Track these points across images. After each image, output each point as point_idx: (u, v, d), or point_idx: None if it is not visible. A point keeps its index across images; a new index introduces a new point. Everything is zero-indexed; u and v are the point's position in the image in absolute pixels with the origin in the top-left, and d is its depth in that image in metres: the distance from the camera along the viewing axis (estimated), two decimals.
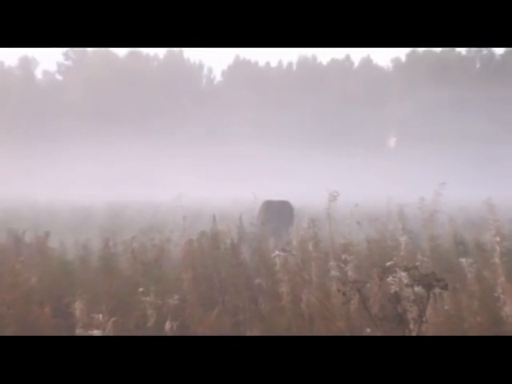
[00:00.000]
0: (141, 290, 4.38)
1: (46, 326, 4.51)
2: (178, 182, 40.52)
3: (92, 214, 17.51)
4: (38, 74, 65.45)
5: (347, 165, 53.28)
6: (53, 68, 67.15)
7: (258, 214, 11.44)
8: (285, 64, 68.36)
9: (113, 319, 3.54)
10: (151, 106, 60.41)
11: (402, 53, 79.95)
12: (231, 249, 6.08)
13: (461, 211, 13.51)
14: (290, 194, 20.18)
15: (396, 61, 64.76)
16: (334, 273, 4.47)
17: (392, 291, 3.20)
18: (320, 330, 4.17)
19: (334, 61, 67.15)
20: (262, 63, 69.24)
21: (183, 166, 54.67)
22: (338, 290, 3.76)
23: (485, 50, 60.31)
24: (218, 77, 69.13)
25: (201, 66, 68.05)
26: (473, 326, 4.17)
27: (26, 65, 63.85)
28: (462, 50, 62.31)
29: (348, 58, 67.37)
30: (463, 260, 4.89)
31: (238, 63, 67.55)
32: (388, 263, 3.46)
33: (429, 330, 3.61)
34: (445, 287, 3.10)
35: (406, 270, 3.19)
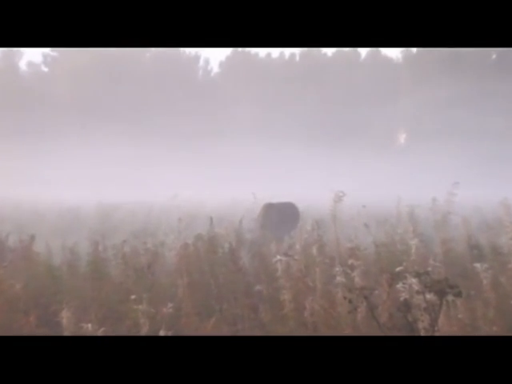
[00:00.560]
0: (133, 297, 4.38)
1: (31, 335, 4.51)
2: (173, 182, 40.57)
3: (80, 215, 17.49)
4: (23, 65, 65.55)
5: (354, 163, 53.35)
6: (38, 59, 67.30)
7: (258, 216, 11.44)
8: (287, 55, 68.42)
9: (102, 329, 3.56)
10: (143, 100, 60.45)
11: None
12: (229, 253, 6.09)
13: (475, 212, 13.51)
14: (293, 194, 20.20)
15: (406, 52, 64.84)
16: (339, 279, 4.48)
17: (402, 299, 3.21)
18: None
19: (339, 51, 67.17)
20: (262, 54, 69.45)
21: (178, 165, 54.70)
22: (344, 298, 3.77)
23: None
24: (215, 68, 69.27)
25: (197, 57, 68.12)
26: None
27: (10, 55, 63.90)
28: None
29: (354, 48, 67.50)
30: (478, 265, 4.90)
31: (237, 54, 67.59)
32: (397, 268, 3.48)
33: None
34: (458, 294, 3.10)
35: (417, 275, 3.20)
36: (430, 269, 3.67)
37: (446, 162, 49.33)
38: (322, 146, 55.82)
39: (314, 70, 63.81)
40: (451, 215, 7.40)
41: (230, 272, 5.83)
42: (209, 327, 4.60)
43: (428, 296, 3.11)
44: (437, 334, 3.14)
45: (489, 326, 4.25)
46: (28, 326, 4.62)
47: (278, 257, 4.98)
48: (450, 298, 3.11)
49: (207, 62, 68.75)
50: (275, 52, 72.58)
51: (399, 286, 3.25)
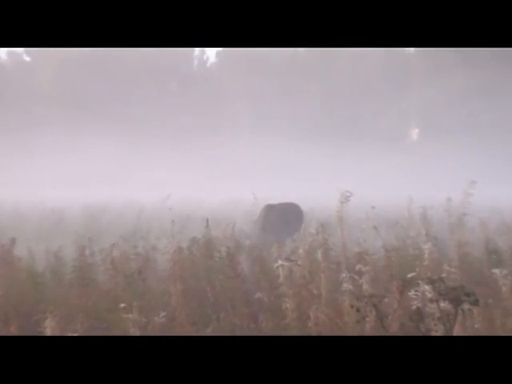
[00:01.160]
0: (122, 305, 4.39)
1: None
2: (165, 181, 40.56)
3: (65, 217, 17.49)
4: (2, 54, 65.59)
5: (362, 161, 53.36)
6: (19, 49, 67.16)
7: (258, 218, 11.45)
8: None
9: None
10: (133, 92, 60.43)
11: None
12: (227, 258, 6.09)
13: (494, 214, 13.52)
14: (296, 194, 20.24)
15: None
16: (346, 286, 4.49)
17: (414, 307, 3.21)
18: None
19: None
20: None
21: (171, 163, 54.72)
22: (352, 306, 3.77)
23: None
24: (211, 58, 69.44)
25: (191, 50, 68.13)
26: None
27: None
28: None
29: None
30: (497, 271, 4.91)
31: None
32: (409, 275, 3.48)
33: None
34: (475, 303, 3.11)
35: (431, 282, 3.21)
36: (444, 275, 3.68)
37: (462, 160, 49.35)
38: (327, 142, 55.80)
39: (318, 59, 63.78)
40: (467, 217, 7.41)
41: (227, 278, 5.84)
42: None
43: (442, 304, 3.12)
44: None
45: None
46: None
47: (280, 262, 4.98)
48: (465, 306, 3.12)
49: (202, 50, 68.73)
50: None
51: (411, 293, 3.26)
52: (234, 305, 5.45)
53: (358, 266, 4.86)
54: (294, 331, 4.61)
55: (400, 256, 6.47)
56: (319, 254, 5.91)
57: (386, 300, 3.73)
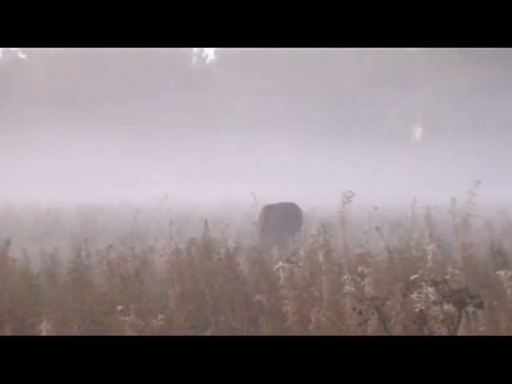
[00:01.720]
0: (119, 308, 4.39)
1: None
2: (163, 181, 40.57)
3: (60, 218, 17.50)
4: None
5: (364, 160, 53.32)
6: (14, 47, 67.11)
7: (258, 219, 11.46)
8: None
9: None
10: (131, 90, 60.39)
11: None
12: (226, 260, 6.10)
13: (499, 215, 13.56)
14: (297, 194, 20.24)
15: None
16: (348, 288, 4.49)
17: (417, 310, 3.22)
18: None
19: None
20: None
21: (169, 162, 54.69)
22: (354, 309, 3.78)
23: None
24: (210, 55, 69.38)
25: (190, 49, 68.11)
26: None
27: None
28: None
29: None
30: (502, 273, 4.91)
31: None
32: (412, 277, 3.49)
33: None
34: (480, 305, 3.12)
35: (434, 284, 3.22)
36: (448, 277, 3.69)
37: (467, 159, 49.33)
38: (329, 142, 55.77)
39: (319, 56, 63.73)
40: (472, 218, 7.42)
41: (226, 281, 5.84)
42: None
43: (446, 307, 3.13)
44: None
45: None
46: None
47: (280, 264, 4.99)
48: (470, 309, 3.13)
49: (201, 51, 68.73)
50: None
51: (414, 295, 3.27)
52: (233, 307, 5.46)
53: (360, 268, 4.87)
54: (295, 334, 4.62)
55: (403, 257, 6.48)
56: (320, 256, 5.90)
57: (389, 302, 3.74)
